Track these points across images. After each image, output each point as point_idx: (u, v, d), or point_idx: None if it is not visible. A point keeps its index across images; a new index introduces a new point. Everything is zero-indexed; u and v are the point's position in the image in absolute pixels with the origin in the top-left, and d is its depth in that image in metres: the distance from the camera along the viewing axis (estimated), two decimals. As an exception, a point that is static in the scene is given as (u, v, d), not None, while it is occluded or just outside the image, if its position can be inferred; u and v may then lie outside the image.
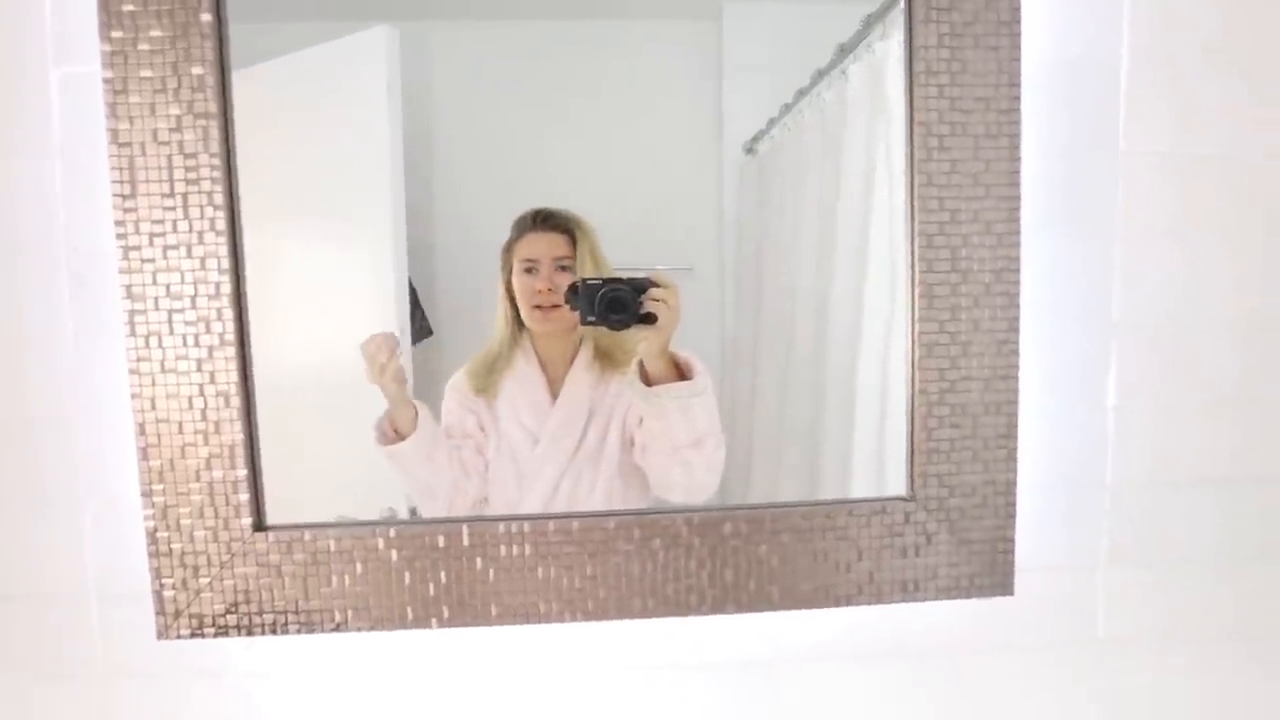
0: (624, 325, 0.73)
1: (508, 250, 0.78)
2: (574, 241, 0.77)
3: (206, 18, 0.65)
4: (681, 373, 0.75)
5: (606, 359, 0.79)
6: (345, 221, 0.79)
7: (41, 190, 0.70)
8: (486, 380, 0.79)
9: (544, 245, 0.77)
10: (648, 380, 0.75)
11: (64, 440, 0.72)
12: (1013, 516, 0.71)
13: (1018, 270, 0.70)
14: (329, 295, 0.78)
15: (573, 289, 0.74)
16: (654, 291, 0.74)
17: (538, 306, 0.78)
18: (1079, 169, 0.74)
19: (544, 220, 0.77)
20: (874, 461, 0.79)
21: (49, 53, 0.69)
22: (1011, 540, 0.71)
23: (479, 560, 0.69)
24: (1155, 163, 0.75)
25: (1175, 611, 0.79)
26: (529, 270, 0.77)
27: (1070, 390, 0.76)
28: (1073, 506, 0.76)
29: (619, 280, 0.74)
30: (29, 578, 0.73)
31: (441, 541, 0.69)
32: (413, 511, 0.78)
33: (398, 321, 0.78)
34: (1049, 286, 0.74)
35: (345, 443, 0.79)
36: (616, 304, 0.73)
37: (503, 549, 0.69)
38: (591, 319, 0.73)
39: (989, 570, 0.71)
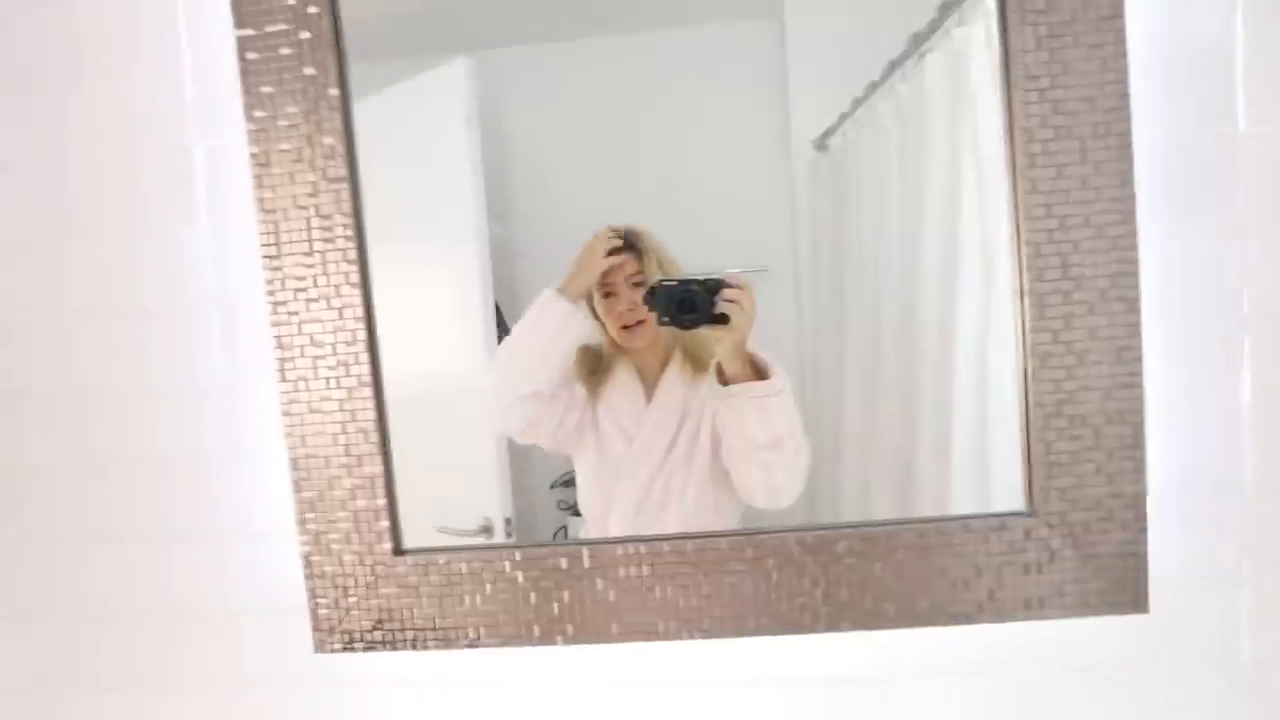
0: (695, 324, 0.76)
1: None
2: (640, 255, 0.80)
3: (334, 92, 0.72)
4: (759, 373, 0.77)
5: (697, 363, 0.82)
6: (433, 246, 0.84)
7: (190, 252, 0.79)
8: (588, 373, 0.84)
9: (614, 269, 0.80)
10: (724, 380, 0.77)
11: (214, 473, 0.81)
12: (1144, 530, 0.68)
13: (1136, 274, 0.67)
14: (419, 318, 0.83)
15: (651, 291, 0.78)
16: (727, 292, 0.76)
17: (624, 326, 0.82)
18: (1197, 158, 0.70)
19: (615, 244, 0.80)
20: (975, 473, 0.77)
21: (189, 128, 0.78)
22: (1143, 555, 0.68)
23: (599, 581, 0.73)
24: (1278, 145, 0.70)
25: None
26: (609, 294, 0.81)
27: (1202, 391, 0.72)
28: (1211, 514, 0.72)
29: (693, 281, 0.76)
30: (195, 597, 0.83)
31: (564, 563, 0.73)
32: (508, 522, 0.82)
33: (484, 341, 0.83)
34: (1174, 284, 0.71)
35: (440, 458, 0.84)
36: (687, 304, 0.76)
37: (621, 570, 0.72)
38: (665, 319, 0.77)
39: (1119, 586, 0.69)
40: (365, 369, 0.74)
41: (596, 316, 0.82)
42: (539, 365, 0.81)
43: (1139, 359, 0.67)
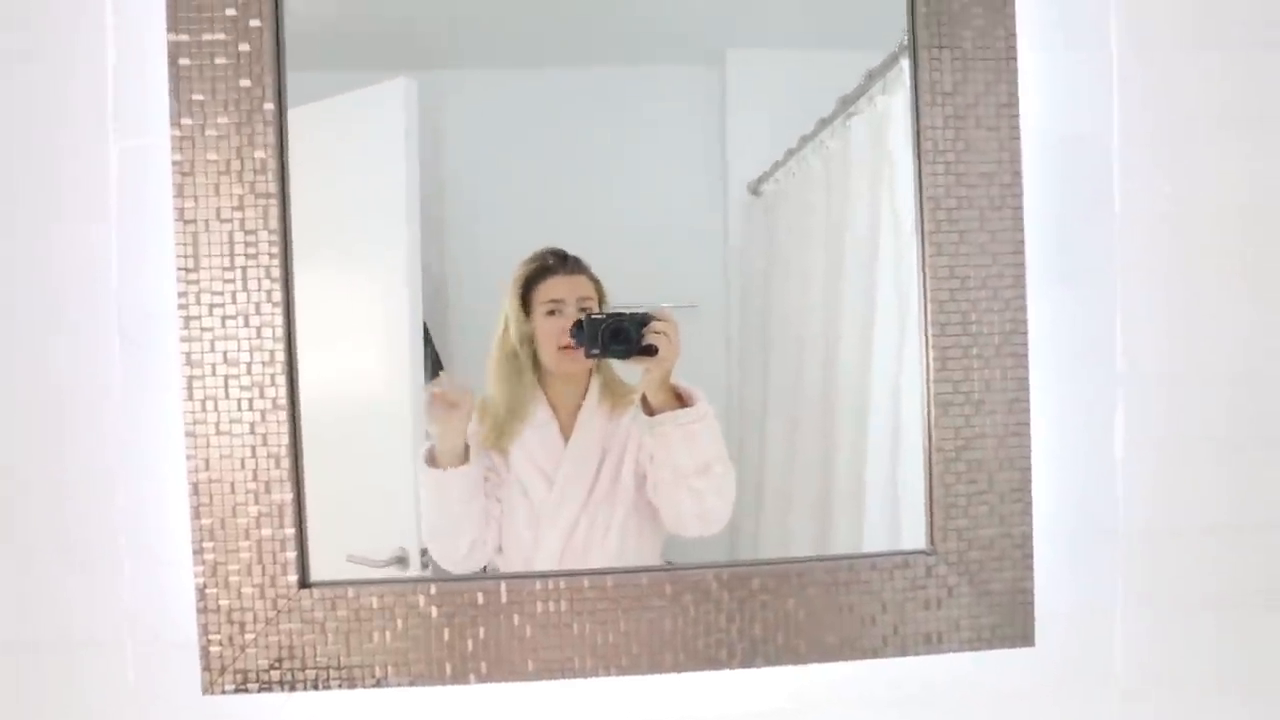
0: (626, 355, 0.78)
1: (525, 291, 0.80)
2: (596, 284, 0.80)
3: (269, 106, 0.71)
4: (683, 402, 0.79)
5: (614, 397, 0.82)
6: (361, 263, 0.81)
7: (95, 257, 0.74)
8: (506, 431, 0.81)
9: (569, 287, 0.80)
10: (650, 411, 0.79)
11: (107, 498, 0.74)
12: (1030, 568, 0.74)
13: (1025, 332, 0.74)
14: (344, 334, 0.80)
15: (577, 324, 0.79)
16: (655, 325, 0.78)
17: (564, 347, 0.80)
18: (1078, 232, 0.79)
19: (564, 262, 0.80)
20: (885, 511, 0.81)
21: (110, 127, 0.74)
22: (1030, 591, 0.74)
23: (516, 616, 0.72)
24: (1149, 222, 0.79)
25: (1188, 657, 0.80)
26: (553, 313, 0.80)
27: (1079, 441, 0.79)
28: (1086, 555, 0.79)
29: (621, 314, 0.78)
30: (68, 632, 0.75)
31: (480, 598, 0.72)
32: (423, 553, 0.79)
33: (411, 358, 0.81)
34: (1054, 343, 0.78)
35: (356, 481, 0.81)
36: (619, 335, 0.77)
37: (539, 605, 0.72)
38: (595, 351, 0.78)
39: (1009, 621, 0.74)
40: (282, 391, 0.71)
41: (522, 339, 0.80)
42: (456, 529, 0.80)
43: (1027, 409, 0.74)
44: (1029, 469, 0.74)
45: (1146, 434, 0.79)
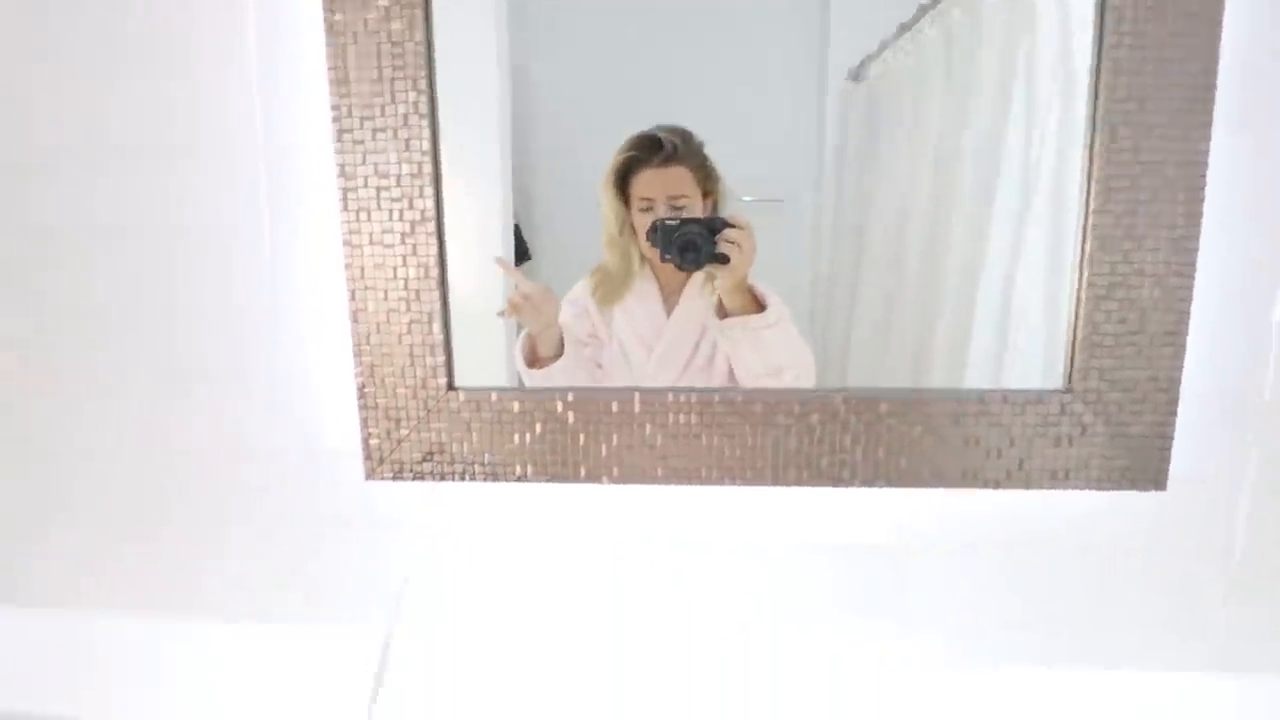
0: (697, 265, 0.78)
1: (622, 178, 0.80)
2: (702, 172, 0.79)
3: (412, -91, 0.69)
4: (759, 305, 0.79)
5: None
6: (450, 148, 0.76)
7: (231, 86, 0.77)
8: (611, 292, 0.84)
9: (661, 183, 0.79)
10: (723, 314, 0.79)
11: (265, 317, 0.81)
12: (1174, 414, 0.71)
13: (1204, 165, 0.68)
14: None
15: (653, 228, 0.79)
16: (728, 233, 0.77)
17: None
18: (1264, 68, 0.70)
19: (658, 151, 0.79)
20: (992, 359, 0.80)
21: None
22: (1170, 437, 0.72)
23: (648, 426, 0.76)
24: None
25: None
26: (646, 209, 0.80)
27: (1237, 301, 0.73)
28: (1224, 418, 0.75)
29: (695, 221, 0.78)
30: (240, 442, 0.84)
31: (615, 407, 0.76)
32: None
33: (502, 246, 0.83)
34: (1223, 191, 0.71)
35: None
36: (690, 245, 0.77)
37: (670, 417, 0.75)
38: (668, 257, 0.78)
39: (1142, 464, 0.73)
40: (429, 204, 0.74)
41: (624, 219, 0.81)
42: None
43: (1195, 248, 0.69)
44: (1187, 312, 0.70)
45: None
